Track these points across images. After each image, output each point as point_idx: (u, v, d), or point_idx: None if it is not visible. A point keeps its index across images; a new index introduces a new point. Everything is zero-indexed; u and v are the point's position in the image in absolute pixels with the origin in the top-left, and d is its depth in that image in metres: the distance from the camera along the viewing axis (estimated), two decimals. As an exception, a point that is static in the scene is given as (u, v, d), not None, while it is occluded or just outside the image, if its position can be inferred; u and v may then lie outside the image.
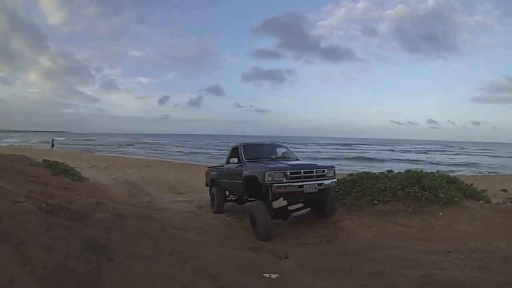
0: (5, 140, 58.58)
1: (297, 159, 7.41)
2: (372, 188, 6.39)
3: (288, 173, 5.77)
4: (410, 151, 53.33)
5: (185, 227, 6.30)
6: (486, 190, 6.87)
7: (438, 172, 6.96)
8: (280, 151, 7.84)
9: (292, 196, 6.03)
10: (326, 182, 6.00)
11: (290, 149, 8.09)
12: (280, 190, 5.67)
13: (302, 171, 5.93)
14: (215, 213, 7.85)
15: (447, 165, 29.68)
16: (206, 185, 9.23)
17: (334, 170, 6.36)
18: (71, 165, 10.80)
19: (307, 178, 5.91)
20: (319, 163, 6.77)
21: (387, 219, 5.65)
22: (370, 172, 7.30)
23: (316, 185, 5.86)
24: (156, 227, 6.05)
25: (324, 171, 6.14)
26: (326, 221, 6.15)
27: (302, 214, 6.92)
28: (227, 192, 8.25)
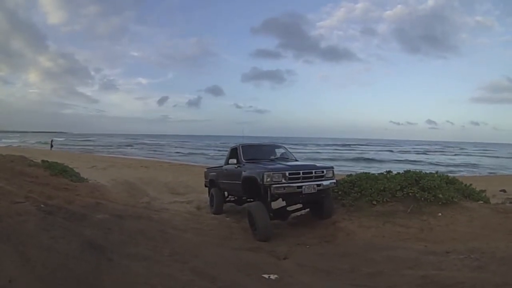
0: (3, 140, 58.42)
1: (296, 160, 7.42)
2: (371, 189, 6.40)
3: (287, 174, 5.77)
4: (409, 151, 53.38)
5: (184, 228, 6.29)
6: (485, 191, 6.88)
7: (437, 172, 6.98)
8: (279, 151, 7.85)
9: (291, 197, 6.04)
10: (325, 182, 6.01)
11: (289, 149, 8.10)
12: (279, 191, 5.67)
13: (301, 171, 5.94)
14: (214, 213, 7.86)
15: (446, 165, 29.67)
16: (205, 186, 9.24)
17: (333, 170, 6.37)
18: (70, 166, 10.77)
19: (306, 178, 5.92)
20: (318, 164, 6.79)
21: (386, 219, 5.66)
22: (369, 173, 7.31)
23: (315, 186, 5.87)
24: (155, 227, 6.04)
25: (323, 172, 6.15)
26: (325, 222, 6.15)
27: (301, 214, 6.93)
28: (226, 193, 8.26)
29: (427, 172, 6.95)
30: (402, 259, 4.20)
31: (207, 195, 8.89)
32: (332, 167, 6.47)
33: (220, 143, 67.21)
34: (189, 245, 5.19)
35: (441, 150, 59.06)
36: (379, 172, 7.48)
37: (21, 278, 3.30)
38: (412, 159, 36.84)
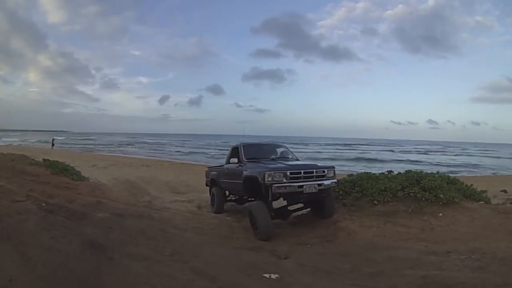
0: (3, 139, 58.44)
1: (297, 159, 7.42)
2: (372, 189, 6.39)
3: (288, 173, 5.77)
4: (410, 151, 53.34)
5: (185, 227, 6.30)
6: (486, 191, 6.86)
7: (438, 172, 6.97)
8: (280, 151, 7.84)
9: (292, 196, 6.03)
10: (326, 182, 6.01)
11: (290, 149, 8.10)
12: (280, 190, 5.67)
13: (302, 171, 5.94)
14: (215, 213, 7.85)
15: (447, 165, 29.63)
16: (206, 185, 9.23)
17: (334, 170, 6.36)
18: (71, 165, 10.81)
19: (307, 178, 5.91)
20: (319, 164, 6.78)
21: (387, 219, 5.65)
22: (370, 173, 7.30)
23: (316, 186, 5.86)
24: (156, 227, 6.05)
25: (324, 172, 6.14)
26: (326, 221, 6.15)
27: (302, 214, 6.92)
28: (227, 192, 8.25)
29: (428, 172, 6.93)
30: (403, 259, 4.19)
31: (208, 194, 8.88)
32: (333, 167, 6.46)
33: (221, 142, 67.28)
34: (190, 244, 5.19)
35: (442, 150, 59.01)
36: (380, 172, 7.47)
37: (21, 278, 3.30)
38: (413, 159, 36.81)
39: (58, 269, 3.61)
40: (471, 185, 6.74)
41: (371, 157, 38.46)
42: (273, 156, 7.34)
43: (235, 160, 7.04)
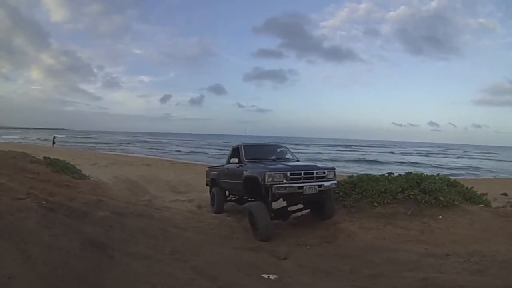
0: (3, 136, 58.47)
1: (298, 160, 7.43)
2: (372, 190, 6.39)
3: (288, 174, 5.78)
4: (411, 153, 53.19)
5: (185, 227, 6.31)
6: (486, 194, 6.86)
7: (438, 175, 6.96)
8: (280, 151, 7.85)
9: (292, 197, 6.04)
10: (326, 183, 6.02)
11: (290, 150, 8.11)
12: (280, 191, 5.67)
13: (302, 172, 5.94)
14: (215, 213, 7.87)
15: (448, 168, 29.55)
16: (207, 185, 9.25)
17: (334, 171, 6.37)
18: (72, 163, 10.78)
19: (307, 179, 5.92)
20: (319, 165, 6.80)
21: (387, 221, 5.65)
22: (370, 174, 7.30)
23: (316, 187, 5.87)
24: (156, 226, 6.06)
25: (324, 173, 6.15)
26: (326, 223, 6.15)
27: (302, 215, 6.93)
28: (227, 192, 8.26)
29: (429, 174, 6.93)
30: (402, 261, 4.19)
31: (208, 194, 8.90)
32: (334, 168, 6.47)
33: (223, 142, 67.24)
34: (190, 244, 5.20)
35: (443, 152, 58.88)
36: (380, 173, 7.47)
37: (22, 275, 3.31)
38: (414, 161, 36.76)
39: (58, 267, 3.62)
40: (471, 187, 6.74)
41: (372, 158, 38.39)
42: (273, 157, 7.33)
43: (236, 160, 7.05)
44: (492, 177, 23.57)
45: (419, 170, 7.54)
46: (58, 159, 10.27)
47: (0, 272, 3.31)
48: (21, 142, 44.60)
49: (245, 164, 6.74)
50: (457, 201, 5.94)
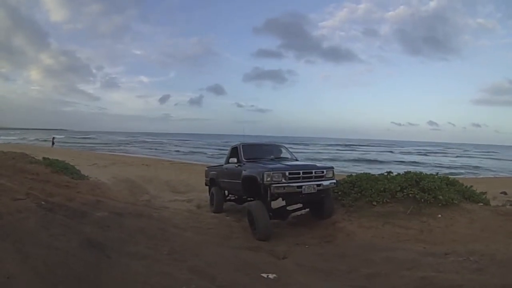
0: (2, 137, 58.26)
1: (296, 160, 7.43)
2: (371, 189, 6.39)
3: (287, 174, 5.78)
4: (411, 152, 53.24)
5: (184, 226, 6.31)
6: (485, 193, 6.85)
7: (437, 174, 6.96)
8: (279, 151, 7.85)
9: (291, 197, 6.05)
10: (325, 182, 6.02)
11: (289, 149, 8.11)
12: (278, 191, 5.68)
13: (301, 171, 5.95)
14: (214, 212, 7.87)
15: (447, 167, 29.55)
16: (206, 185, 9.25)
17: (333, 170, 6.38)
18: (71, 163, 10.78)
19: (306, 178, 5.93)
20: (318, 164, 6.81)
21: (386, 220, 5.65)
22: (369, 173, 7.29)
23: (315, 186, 5.88)
24: (155, 226, 6.06)
25: (323, 172, 6.16)
26: (324, 222, 6.16)
27: (301, 214, 6.94)
28: (226, 192, 8.27)
29: (428, 173, 6.93)
30: (401, 260, 4.18)
31: (207, 193, 8.90)
32: (332, 167, 6.48)
33: (223, 142, 67.16)
34: (189, 244, 5.19)
35: (442, 151, 58.87)
36: (379, 172, 7.47)
37: (20, 275, 3.30)
38: (413, 160, 36.80)
39: (57, 267, 3.62)
40: (471, 186, 6.73)
41: (371, 158, 38.41)
42: (272, 156, 7.35)
43: (235, 160, 7.06)
44: (491, 176, 23.58)
45: (418, 169, 7.53)
46: (57, 160, 10.28)
47: (0, 272, 3.31)
48: (19, 143, 44.47)
49: (244, 164, 6.74)
50: (456, 200, 5.93)
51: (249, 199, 7.20)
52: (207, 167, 9.97)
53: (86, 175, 10.08)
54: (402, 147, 72.27)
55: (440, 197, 5.88)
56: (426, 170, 7.73)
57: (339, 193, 6.79)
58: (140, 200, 8.77)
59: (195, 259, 4.36)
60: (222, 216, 7.53)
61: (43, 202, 6.39)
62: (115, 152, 37.49)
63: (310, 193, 5.84)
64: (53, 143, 38.84)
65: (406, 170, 7.26)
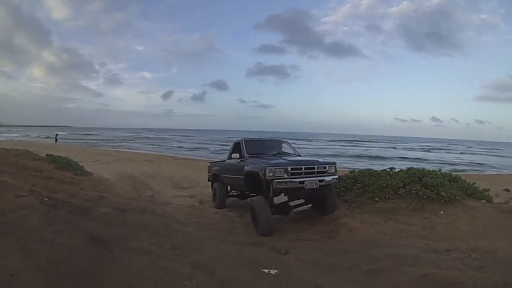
0: (4, 135, 58.41)
1: (299, 155, 7.43)
2: (373, 185, 6.38)
3: (289, 169, 5.78)
4: (414, 149, 52.99)
5: (187, 222, 6.33)
6: (488, 190, 6.82)
7: (440, 170, 6.94)
8: (282, 146, 7.85)
9: (293, 192, 6.05)
10: (327, 178, 6.02)
11: (292, 145, 8.10)
12: (281, 186, 5.68)
13: (303, 167, 5.95)
14: (217, 208, 7.90)
15: (450, 164, 29.32)
16: (208, 180, 9.28)
17: (335, 166, 6.37)
18: (74, 160, 10.84)
19: (308, 174, 5.92)
20: (321, 159, 6.80)
21: (388, 216, 5.64)
22: (371, 169, 7.28)
23: (317, 181, 5.87)
24: (158, 221, 6.08)
25: (325, 168, 6.15)
26: (327, 218, 6.17)
27: (303, 210, 6.95)
28: (229, 187, 8.28)
29: (431, 169, 6.90)
30: (403, 256, 4.18)
31: (210, 189, 8.93)
32: (335, 163, 6.47)
33: (226, 137, 67.13)
34: (192, 239, 5.21)
35: (446, 148, 58.60)
36: (382, 168, 7.46)
37: (24, 272, 3.32)
38: (417, 157, 36.60)
39: (60, 263, 3.63)
40: (474, 183, 6.70)
41: (374, 154, 38.31)
42: (274, 152, 7.35)
43: (237, 155, 7.08)
44: (495, 173, 23.45)
45: (421, 165, 7.49)
46: (60, 156, 10.33)
47: (3, 269, 3.33)
48: (21, 140, 44.63)
49: (246, 159, 6.75)
50: (458, 197, 5.91)
51: (251, 194, 7.19)
52: (210, 162, 9.98)
53: (89, 171, 10.13)
54: (405, 143, 71.90)
55: (443, 193, 5.86)
56: (429, 167, 7.69)
57: (342, 188, 6.78)
58: (143, 196, 8.81)
59: (198, 254, 4.37)
60: (225, 212, 7.55)
61: (46, 199, 6.43)
62: (118, 148, 37.64)
63: (312, 188, 5.84)
64: (56, 140, 39.16)
65: (408, 166, 7.23)
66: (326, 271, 3.96)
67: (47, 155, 10.42)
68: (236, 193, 8.26)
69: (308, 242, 5.26)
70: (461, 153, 46.67)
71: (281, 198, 6.37)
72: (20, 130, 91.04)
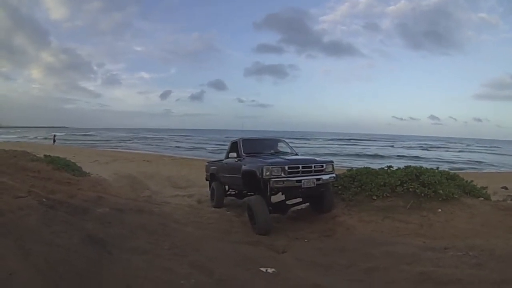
0: (2, 136, 58.08)
1: (296, 154, 7.43)
2: (371, 184, 6.39)
3: (286, 168, 5.78)
4: (412, 147, 53.01)
5: (185, 222, 6.33)
6: (486, 187, 6.83)
7: (437, 168, 6.95)
8: (279, 145, 7.86)
9: (290, 191, 6.05)
10: (324, 177, 6.02)
11: (290, 144, 8.11)
12: (278, 185, 5.68)
13: (300, 166, 5.95)
14: (215, 207, 7.90)
15: (448, 162, 29.38)
16: (206, 180, 9.27)
17: (332, 165, 6.37)
18: (72, 160, 10.84)
19: (305, 173, 5.93)
20: (318, 158, 6.81)
21: (386, 214, 5.65)
22: (369, 168, 7.29)
23: (315, 180, 5.87)
24: (156, 221, 6.08)
25: (322, 166, 6.16)
26: (324, 216, 6.18)
27: (301, 208, 6.95)
28: (226, 187, 8.28)
29: (429, 168, 6.92)
30: (400, 254, 4.19)
31: (208, 188, 8.92)
32: (332, 161, 6.47)
33: (224, 137, 67.02)
34: (190, 238, 5.22)
35: (444, 146, 58.58)
36: (380, 167, 7.46)
37: (22, 272, 3.33)
38: (415, 155, 36.62)
39: (58, 263, 3.65)
40: (471, 181, 6.71)
41: (372, 152, 38.32)
42: (272, 151, 7.35)
43: (234, 154, 7.07)
44: (493, 171, 23.49)
45: (419, 163, 7.51)
46: (58, 157, 10.33)
47: (1, 269, 3.34)
48: (19, 141, 44.42)
49: (244, 159, 6.75)
50: (456, 195, 5.92)
51: (249, 193, 7.20)
52: (208, 162, 9.97)
53: (87, 171, 10.13)
54: (403, 141, 71.90)
55: (440, 191, 5.87)
56: (427, 165, 7.70)
57: (339, 187, 6.79)
58: (141, 196, 8.80)
59: (196, 254, 4.38)
60: (223, 211, 7.55)
61: (44, 200, 6.43)
62: (116, 148, 37.54)
63: (310, 187, 5.85)
64: (54, 141, 39.10)
65: (406, 165, 7.24)
66: (323, 269, 3.97)
67: (45, 156, 10.41)
68: (233, 193, 8.26)
69: (306, 240, 5.27)
70: (459, 151, 46.71)
71: (279, 197, 6.38)
72: (18, 131, 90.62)
